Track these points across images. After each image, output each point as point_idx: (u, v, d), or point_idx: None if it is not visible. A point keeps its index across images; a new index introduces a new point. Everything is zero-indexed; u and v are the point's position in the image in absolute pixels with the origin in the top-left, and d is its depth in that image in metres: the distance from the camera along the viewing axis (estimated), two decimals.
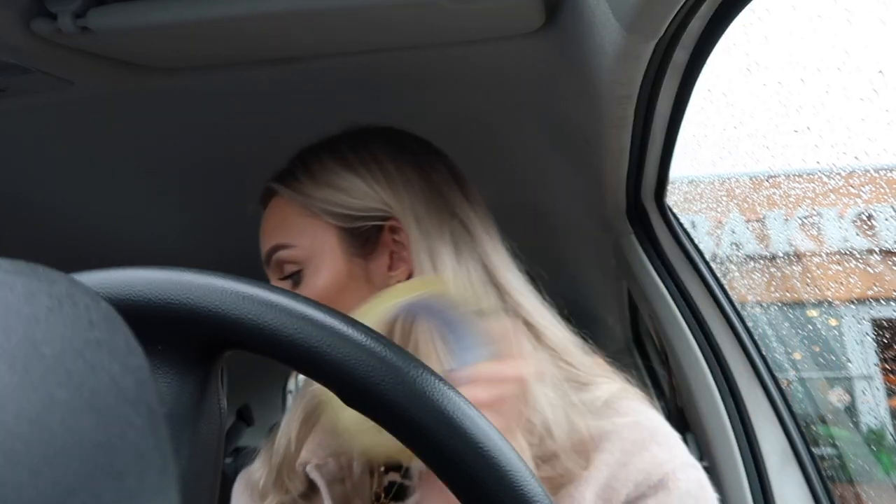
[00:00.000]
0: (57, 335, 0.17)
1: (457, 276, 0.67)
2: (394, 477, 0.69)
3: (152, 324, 0.28)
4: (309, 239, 0.70)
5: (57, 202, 1.19)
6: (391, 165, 0.71)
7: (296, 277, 0.69)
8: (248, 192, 1.22)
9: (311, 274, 0.69)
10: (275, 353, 0.28)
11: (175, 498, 0.18)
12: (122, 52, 0.75)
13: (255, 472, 0.76)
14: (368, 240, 0.70)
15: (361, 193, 0.70)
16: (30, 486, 0.14)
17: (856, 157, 0.98)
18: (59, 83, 0.79)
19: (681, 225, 1.20)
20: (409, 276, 0.69)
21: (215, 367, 0.30)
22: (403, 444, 0.29)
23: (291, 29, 0.70)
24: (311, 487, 0.71)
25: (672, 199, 1.19)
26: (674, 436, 0.65)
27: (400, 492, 0.68)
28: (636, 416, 0.65)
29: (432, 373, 0.29)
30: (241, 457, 2.28)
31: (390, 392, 0.28)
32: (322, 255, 0.69)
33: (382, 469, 0.69)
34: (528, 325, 0.68)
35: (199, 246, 1.46)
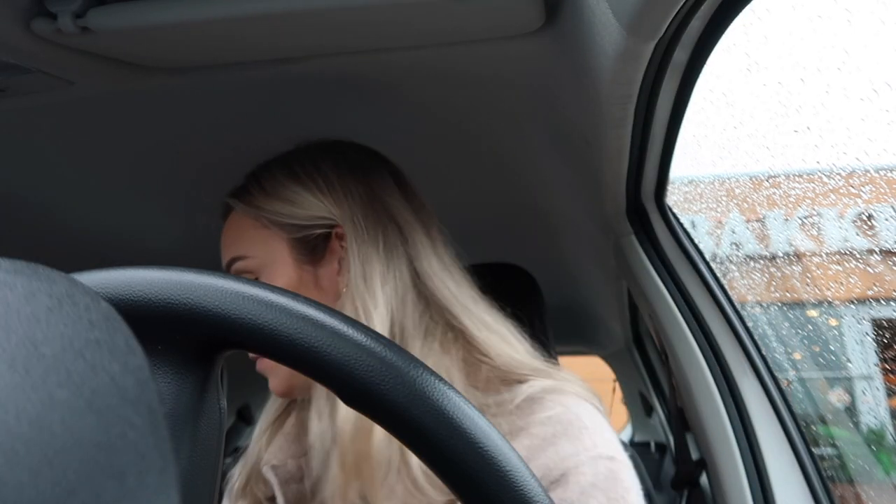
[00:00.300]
0: (57, 335, 0.17)
1: (384, 280, 0.70)
2: None
3: (152, 324, 0.28)
4: (262, 249, 0.74)
5: (57, 202, 1.19)
6: (334, 175, 0.75)
7: None
8: None
9: (266, 282, 0.71)
10: (275, 353, 0.28)
11: (175, 498, 0.18)
12: (122, 52, 0.75)
13: (234, 477, 0.79)
14: (317, 247, 0.74)
15: (307, 204, 0.73)
16: (30, 486, 0.14)
17: (857, 159, 0.98)
18: (59, 83, 0.79)
19: (681, 225, 1.20)
20: None
21: (215, 367, 0.30)
22: (404, 444, 0.29)
23: (291, 29, 0.70)
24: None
25: (672, 199, 1.19)
26: (592, 428, 0.64)
27: None
28: (554, 410, 0.65)
29: (432, 373, 0.29)
30: (241, 457, 2.27)
31: (390, 392, 0.28)
32: (274, 263, 0.73)
33: None
34: (450, 327, 0.71)
35: (200, 246, 1.46)
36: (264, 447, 0.77)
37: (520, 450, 0.60)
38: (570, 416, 0.64)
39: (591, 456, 0.61)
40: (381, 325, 0.67)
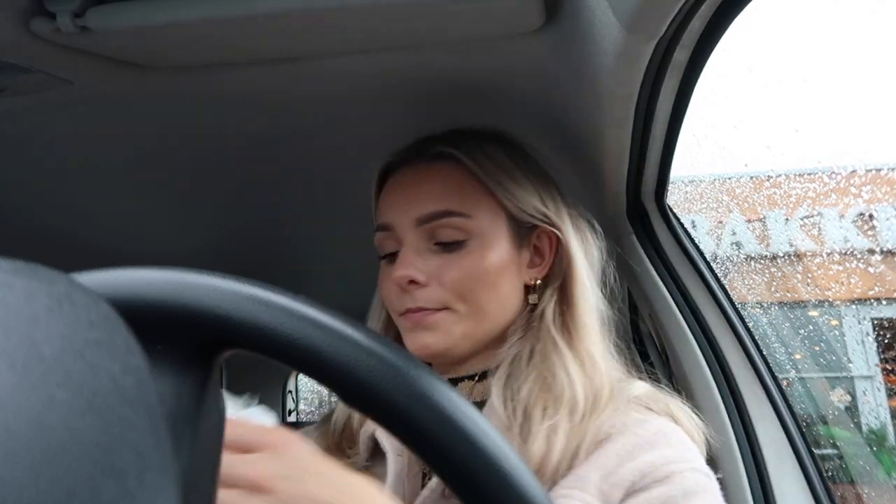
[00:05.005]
0: (57, 335, 0.17)
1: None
2: None
3: (152, 324, 0.28)
4: (484, 214, 0.73)
5: (57, 202, 1.19)
6: (549, 180, 0.80)
7: (455, 246, 0.72)
8: (247, 191, 1.22)
9: (479, 248, 0.72)
10: (274, 354, 0.28)
11: (175, 498, 0.18)
12: (121, 52, 0.75)
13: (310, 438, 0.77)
14: (524, 235, 0.76)
15: (530, 193, 0.76)
16: (30, 486, 0.14)
17: (860, 160, 0.98)
18: (58, 83, 0.79)
19: (681, 225, 1.20)
20: (547, 277, 0.76)
21: (215, 368, 0.30)
22: (404, 445, 0.29)
23: (291, 29, 0.70)
24: (373, 455, 0.74)
25: (672, 199, 1.19)
26: (690, 445, 0.67)
27: None
28: (655, 420, 0.68)
29: (432, 373, 0.29)
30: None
31: (390, 392, 0.27)
32: (494, 234, 0.74)
33: None
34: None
35: (200, 246, 1.46)
36: (358, 416, 0.76)
37: (626, 445, 0.64)
38: (670, 428, 0.68)
39: (692, 467, 0.64)
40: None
